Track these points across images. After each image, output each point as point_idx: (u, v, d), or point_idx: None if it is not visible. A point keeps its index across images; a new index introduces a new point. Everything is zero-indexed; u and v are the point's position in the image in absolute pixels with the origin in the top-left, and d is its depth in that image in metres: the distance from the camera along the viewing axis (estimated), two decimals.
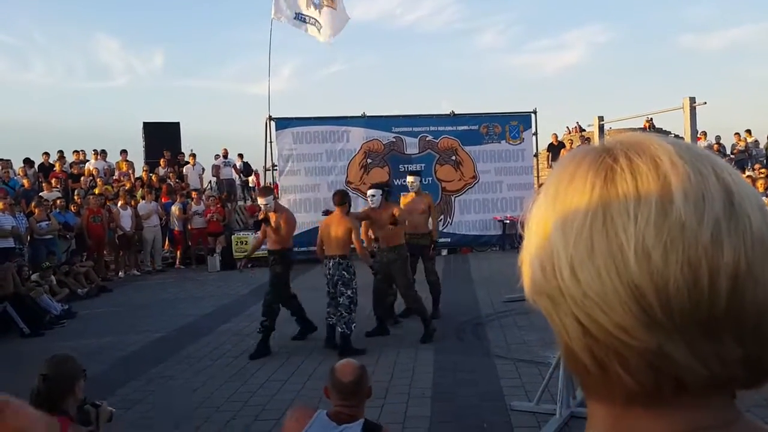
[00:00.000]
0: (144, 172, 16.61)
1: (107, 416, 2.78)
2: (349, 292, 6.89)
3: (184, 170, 17.04)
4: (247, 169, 18.82)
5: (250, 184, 18.65)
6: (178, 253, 15.01)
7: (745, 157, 18.18)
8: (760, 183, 12.32)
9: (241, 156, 19.06)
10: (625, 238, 0.50)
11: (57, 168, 15.41)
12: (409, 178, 8.45)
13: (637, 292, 0.50)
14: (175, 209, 14.54)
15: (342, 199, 7.11)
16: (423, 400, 5.31)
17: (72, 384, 2.67)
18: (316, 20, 14.65)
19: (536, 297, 0.57)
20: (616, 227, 0.51)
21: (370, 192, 7.53)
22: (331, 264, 6.97)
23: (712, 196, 0.50)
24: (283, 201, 14.44)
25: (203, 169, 17.57)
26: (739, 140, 19.05)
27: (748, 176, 12.78)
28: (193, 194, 15.16)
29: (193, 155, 17.43)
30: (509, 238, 14.72)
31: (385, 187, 7.59)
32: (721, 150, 17.99)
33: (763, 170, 15.09)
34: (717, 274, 0.49)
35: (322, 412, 2.67)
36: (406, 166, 14.67)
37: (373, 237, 7.82)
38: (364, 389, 2.76)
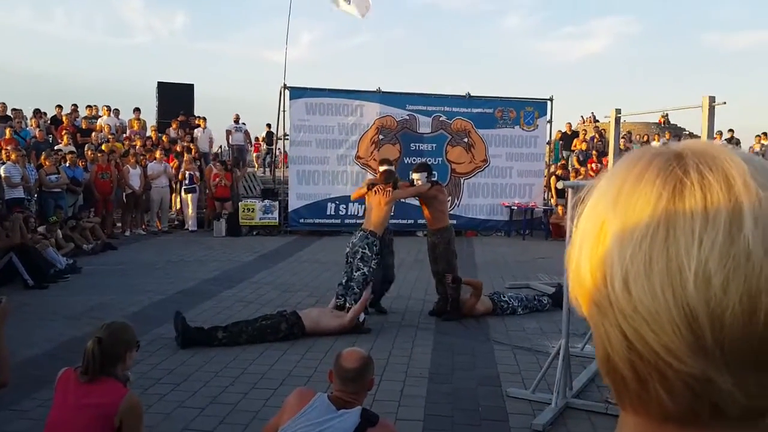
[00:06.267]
0: (153, 132, 16.54)
1: None
2: (365, 269, 6.90)
3: (194, 133, 16.99)
4: (269, 138, 18.81)
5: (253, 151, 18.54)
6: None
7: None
8: None
9: (269, 125, 19.04)
10: (686, 259, 0.48)
11: (65, 122, 15.35)
12: (414, 175, 7.48)
13: (690, 316, 0.48)
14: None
15: (388, 177, 7.19)
16: (420, 380, 5.34)
17: (124, 352, 2.73)
18: None
19: (581, 300, 0.56)
20: (678, 246, 0.49)
21: (415, 176, 7.42)
22: (358, 235, 7.04)
23: None
24: (292, 171, 14.43)
25: (211, 138, 17.52)
26: (757, 141, 18.89)
27: None
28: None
29: (204, 119, 17.34)
30: (515, 225, 14.69)
31: (429, 170, 7.58)
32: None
33: None
34: None
35: (323, 394, 2.66)
36: (417, 144, 14.61)
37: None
38: (367, 379, 2.73)
